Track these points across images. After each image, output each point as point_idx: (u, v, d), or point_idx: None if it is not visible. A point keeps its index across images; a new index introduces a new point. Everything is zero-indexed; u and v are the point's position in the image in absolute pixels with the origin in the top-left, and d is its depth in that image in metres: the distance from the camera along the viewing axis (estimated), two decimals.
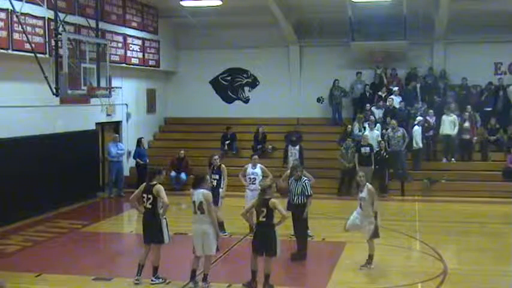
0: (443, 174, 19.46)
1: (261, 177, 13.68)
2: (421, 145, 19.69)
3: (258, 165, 14.04)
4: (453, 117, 19.94)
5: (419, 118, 19.92)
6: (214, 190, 13.69)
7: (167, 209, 10.23)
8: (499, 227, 15.42)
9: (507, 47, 21.67)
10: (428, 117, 20.22)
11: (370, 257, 11.20)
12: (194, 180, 10.45)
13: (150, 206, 10.23)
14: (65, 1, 16.31)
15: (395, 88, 21.44)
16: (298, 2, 21.18)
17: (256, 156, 14.45)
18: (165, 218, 10.30)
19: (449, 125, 19.88)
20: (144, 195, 10.28)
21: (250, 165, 14.06)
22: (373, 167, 18.59)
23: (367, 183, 11.22)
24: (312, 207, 12.40)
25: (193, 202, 10.03)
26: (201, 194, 9.99)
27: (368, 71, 22.57)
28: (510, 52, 21.80)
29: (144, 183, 10.48)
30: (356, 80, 22.35)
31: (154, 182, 10.27)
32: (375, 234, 11.09)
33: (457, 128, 19.88)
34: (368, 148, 18.94)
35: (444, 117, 19.98)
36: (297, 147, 19.10)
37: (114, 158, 19.20)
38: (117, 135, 19.88)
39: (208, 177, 10.37)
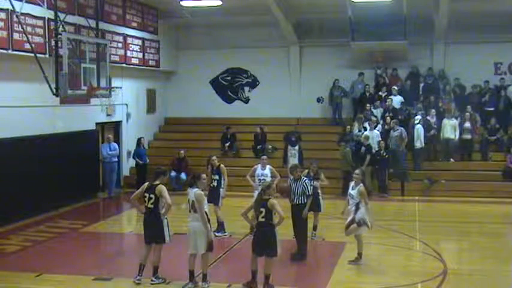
0: (443, 175, 19.46)
1: (270, 178, 13.66)
2: (423, 144, 19.68)
3: (268, 166, 14.02)
4: (454, 121, 19.95)
5: (418, 117, 19.92)
6: (215, 190, 13.72)
7: (169, 210, 10.23)
8: (499, 227, 15.42)
9: (507, 47, 21.67)
10: (429, 117, 20.22)
11: (359, 254, 11.36)
12: (190, 180, 10.46)
13: (151, 206, 10.23)
14: (65, 1, 16.31)
15: (395, 87, 21.44)
16: (298, 2, 21.18)
17: (265, 157, 14.44)
18: (166, 218, 10.32)
19: (450, 128, 19.90)
20: (146, 194, 10.28)
21: (259, 166, 14.02)
22: (368, 166, 18.60)
23: (361, 184, 11.28)
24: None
25: (188, 201, 10.07)
26: (193, 193, 10.01)
27: (368, 71, 22.57)
28: (510, 52, 21.80)
29: (147, 183, 10.49)
30: (357, 80, 22.35)
31: (158, 182, 10.28)
32: (349, 225, 11.23)
33: (458, 132, 19.89)
34: (364, 148, 18.97)
35: (445, 120, 19.99)
36: (297, 147, 19.10)
37: (106, 158, 19.14)
38: (110, 136, 19.73)
39: (203, 176, 10.33)
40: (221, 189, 13.76)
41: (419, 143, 19.67)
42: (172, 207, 10.28)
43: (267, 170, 13.93)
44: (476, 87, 21.53)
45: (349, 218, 11.34)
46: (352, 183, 11.48)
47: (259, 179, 13.77)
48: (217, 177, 13.79)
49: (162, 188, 10.19)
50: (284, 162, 19.11)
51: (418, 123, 19.71)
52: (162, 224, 10.22)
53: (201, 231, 9.92)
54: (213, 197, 13.60)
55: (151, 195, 10.21)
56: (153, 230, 10.26)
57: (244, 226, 13.08)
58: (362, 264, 11.34)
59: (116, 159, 19.55)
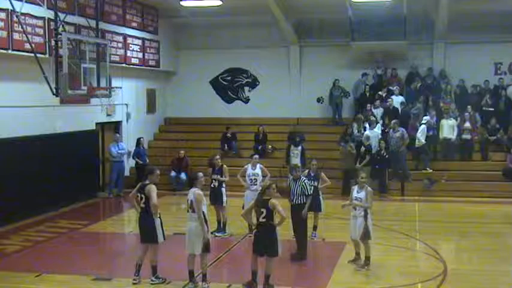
0: (443, 174, 19.48)
1: (261, 178, 13.67)
2: (423, 141, 19.63)
3: (258, 165, 14.00)
4: (452, 121, 19.95)
5: (426, 118, 19.91)
6: (216, 190, 13.70)
7: (157, 209, 10.16)
8: (499, 227, 15.42)
9: (507, 47, 21.67)
10: (429, 117, 20.21)
11: (367, 258, 11.23)
12: (189, 180, 10.44)
13: (143, 206, 10.21)
14: (65, 1, 16.30)
15: (395, 88, 21.44)
16: (298, 2, 21.17)
17: (256, 156, 14.42)
18: (159, 218, 10.27)
19: (448, 129, 19.90)
20: (138, 194, 10.28)
21: (249, 165, 14.01)
22: (368, 166, 18.61)
23: (366, 186, 11.27)
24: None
25: (187, 201, 10.06)
26: (192, 193, 10.00)
27: (368, 71, 22.57)
28: (510, 52, 21.80)
29: (140, 183, 10.47)
30: (360, 80, 22.33)
31: (147, 182, 10.26)
32: (367, 235, 11.10)
33: (456, 132, 19.89)
34: (364, 148, 18.97)
35: (443, 121, 19.97)
36: (299, 147, 19.11)
37: (115, 158, 19.23)
38: (118, 134, 19.89)
39: (200, 175, 10.29)
40: (222, 189, 13.74)
41: (420, 141, 19.66)
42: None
43: (258, 169, 13.91)
44: (476, 87, 21.54)
45: (360, 222, 11.14)
46: (356, 187, 11.37)
47: (250, 179, 13.77)
48: (218, 177, 13.74)
49: (151, 188, 10.14)
50: (286, 162, 19.13)
51: (423, 123, 19.69)
52: (154, 224, 10.16)
53: (198, 231, 9.91)
54: (216, 197, 13.60)
55: (142, 195, 10.19)
56: (145, 229, 10.25)
57: (244, 226, 13.14)
58: (361, 263, 11.32)
59: (123, 159, 19.63)
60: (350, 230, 11.53)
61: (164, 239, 10.33)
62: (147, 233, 10.23)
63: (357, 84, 22.38)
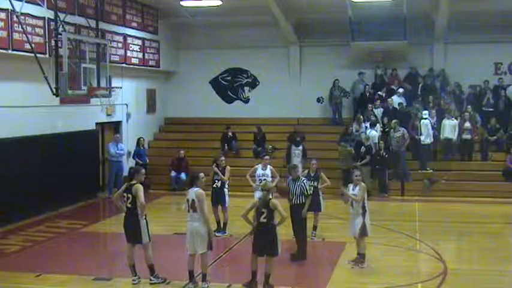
0: (443, 175, 19.47)
1: (271, 179, 13.64)
2: (432, 139, 19.60)
3: (269, 166, 14.02)
4: (454, 121, 19.94)
5: (425, 112, 19.90)
6: (219, 191, 13.69)
7: (144, 209, 10.14)
8: (499, 227, 15.42)
9: (507, 47, 21.67)
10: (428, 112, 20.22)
11: (363, 255, 11.27)
12: (189, 180, 10.43)
13: (130, 206, 10.18)
14: (65, 1, 16.31)
15: (401, 90, 21.39)
16: (298, 2, 21.19)
17: (267, 157, 14.43)
18: (145, 219, 10.23)
19: (450, 129, 19.88)
20: (125, 194, 10.26)
21: (260, 166, 14.02)
22: (368, 166, 18.62)
23: (361, 183, 11.29)
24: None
25: (187, 200, 10.02)
26: (194, 192, 9.97)
27: (368, 71, 22.58)
28: (510, 52, 21.80)
29: (126, 183, 10.45)
30: (358, 80, 22.34)
31: (134, 182, 10.23)
32: (364, 232, 11.12)
33: (457, 132, 19.88)
34: (364, 148, 19.00)
35: (445, 121, 19.95)
36: (300, 147, 19.12)
37: (113, 158, 19.22)
38: (117, 135, 19.88)
39: (201, 175, 10.27)
40: (225, 189, 13.73)
41: (428, 139, 19.59)
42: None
43: (268, 170, 13.93)
44: (476, 87, 21.54)
45: (358, 219, 11.17)
46: (351, 185, 11.40)
47: (260, 179, 13.70)
48: (220, 175, 13.71)
49: (138, 188, 10.11)
50: (287, 162, 19.11)
51: (425, 118, 19.65)
52: (139, 224, 10.12)
53: (200, 231, 9.89)
54: (218, 197, 13.60)
55: (129, 195, 10.17)
56: (131, 230, 10.23)
57: (244, 226, 13.08)
58: (359, 262, 11.29)
59: (122, 159, 19.63)
60: (349, 228, 11.56)
61: (150, 239, 10.28)
62: (132, 232, 10.20)
63: (354, 83, 22.39)
